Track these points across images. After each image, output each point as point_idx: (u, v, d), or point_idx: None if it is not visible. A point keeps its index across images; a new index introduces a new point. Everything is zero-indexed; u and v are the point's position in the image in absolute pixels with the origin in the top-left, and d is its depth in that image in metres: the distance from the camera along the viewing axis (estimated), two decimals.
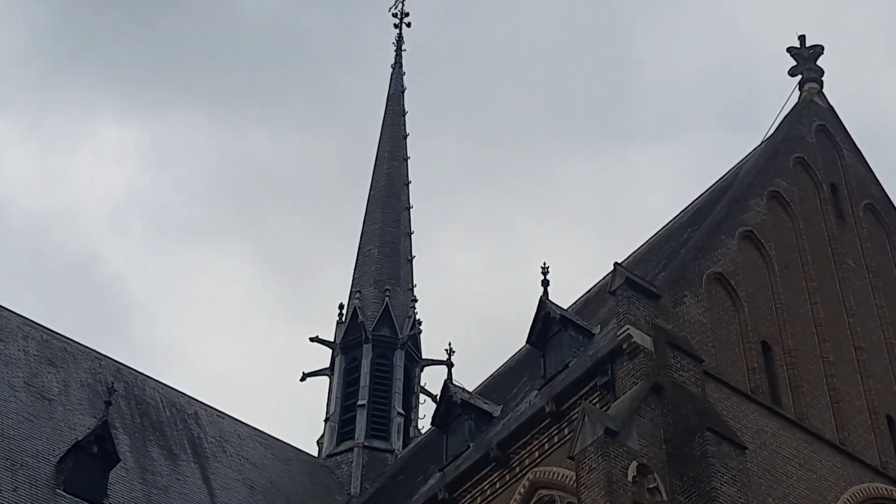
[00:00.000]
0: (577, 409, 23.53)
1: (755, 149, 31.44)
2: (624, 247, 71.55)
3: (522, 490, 24.80)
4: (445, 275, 73.07)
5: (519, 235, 78.53)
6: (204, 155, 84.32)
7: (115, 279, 78.81)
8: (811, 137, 31.26)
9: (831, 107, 32.52)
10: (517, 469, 25.25)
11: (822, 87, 32.80)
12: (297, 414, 69.08)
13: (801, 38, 33.32)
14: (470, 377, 33.00)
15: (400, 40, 49.08)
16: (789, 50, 33.27)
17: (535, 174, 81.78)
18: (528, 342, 27.40)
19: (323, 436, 38.47)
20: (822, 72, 32.92)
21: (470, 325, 66.04)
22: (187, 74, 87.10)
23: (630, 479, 21.13)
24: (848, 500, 24.50)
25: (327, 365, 40.17)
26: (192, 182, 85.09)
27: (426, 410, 38.96)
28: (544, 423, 24.88)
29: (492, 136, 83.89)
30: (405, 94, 47.32)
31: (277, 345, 76.71)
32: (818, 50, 33.17)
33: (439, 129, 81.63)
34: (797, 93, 32.64)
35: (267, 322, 78.65)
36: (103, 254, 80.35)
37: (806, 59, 32.98)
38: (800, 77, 32.81)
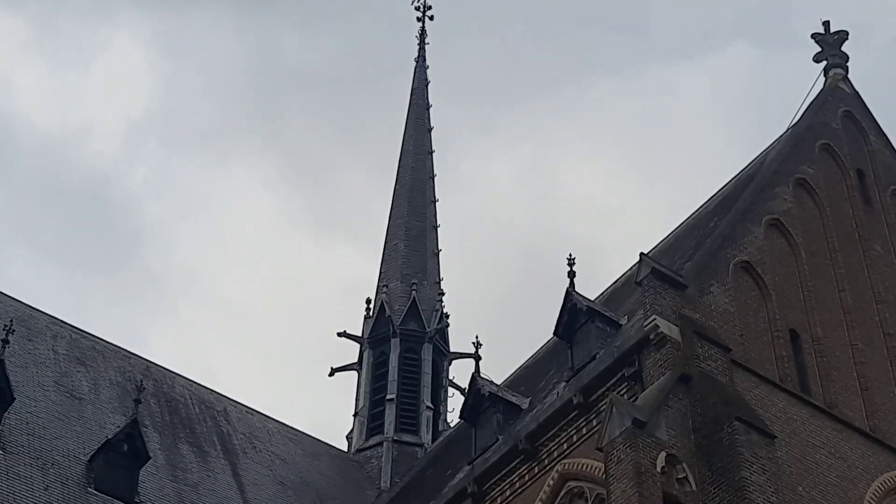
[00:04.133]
0: (604, 401, 23.52)
1: (780, 136, 31.29)
2: (662, 170, 69.97)
3: (551, 482, 24.78)
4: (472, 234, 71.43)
5: (553, 156, 77.20)
6: (225, 54, 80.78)
7: (130, 200, 75.96)
8: (837, 124, 31.08)
9: (857, 92, 32.32)
10: (546, 461, 25.23)
11: (847, 72, 32.61)
12: (325, 409, 68.73)
13: (826, 23, 33.13)
14: (498, 370, 32.95)
15: (423, 34, 49.02)
16: (814, 36, 33.07)
17: (572, 101, 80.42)
18: (555, 334, 27.38)
19: (352, 431, 38.55)
20: (846, 57, 32.72)
21: (498, 316, 65.44)
22: None
23: (659, 469, 21.08)
24: (879, 487, 24.33)
25: (355, 360, 40.25)
26: (212, 86, 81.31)
27: (454, 404, 38.99)
28: (572, 415, 24.86)
29: (525, 60, 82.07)
30: (429, 86, 47.31)
31: (301, 263, 73.69)
32: (843, 36, 32.98)
33: (469, 46, 79.87)
34: (822, 79, 32.47)
35: (291, 238, 75.36)
36: (117, 173, 77.59)
37: (830, 46, 32.78)
38: (824, 63, 32.63)
